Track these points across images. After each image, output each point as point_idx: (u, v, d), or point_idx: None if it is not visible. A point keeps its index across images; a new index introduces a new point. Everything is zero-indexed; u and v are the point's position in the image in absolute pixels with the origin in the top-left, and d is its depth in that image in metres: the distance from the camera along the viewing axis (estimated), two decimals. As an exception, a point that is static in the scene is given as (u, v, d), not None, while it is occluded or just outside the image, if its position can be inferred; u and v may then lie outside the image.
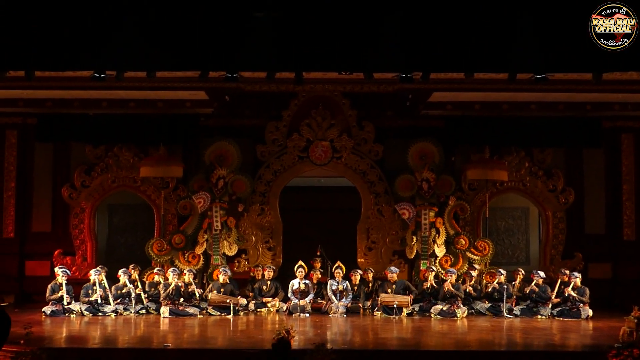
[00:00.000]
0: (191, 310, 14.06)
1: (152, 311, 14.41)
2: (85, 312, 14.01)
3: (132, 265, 14.97)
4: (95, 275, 14.36)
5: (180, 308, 14.04)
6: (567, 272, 14.56)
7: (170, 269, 14.62)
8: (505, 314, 14.05)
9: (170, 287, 14.16)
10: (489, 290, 14.65)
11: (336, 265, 14.78)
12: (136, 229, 17.52)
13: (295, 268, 14.87)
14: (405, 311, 14.17)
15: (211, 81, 13.92)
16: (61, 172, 16.58)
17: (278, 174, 16.25)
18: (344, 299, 14.37)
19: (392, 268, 14.87)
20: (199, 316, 13.98)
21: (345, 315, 14.13)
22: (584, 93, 14.69)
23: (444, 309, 14.09)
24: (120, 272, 14.59)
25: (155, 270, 15.04)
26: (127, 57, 11.73)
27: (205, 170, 15.82)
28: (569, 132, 15.87)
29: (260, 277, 15.21)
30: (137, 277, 14.83)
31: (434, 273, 14.88)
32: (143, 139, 16.04)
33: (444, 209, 15.80)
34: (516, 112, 15.70)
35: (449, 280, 14.32)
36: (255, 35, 11.46)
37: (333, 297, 14.40)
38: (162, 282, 14.56)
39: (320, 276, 15.22)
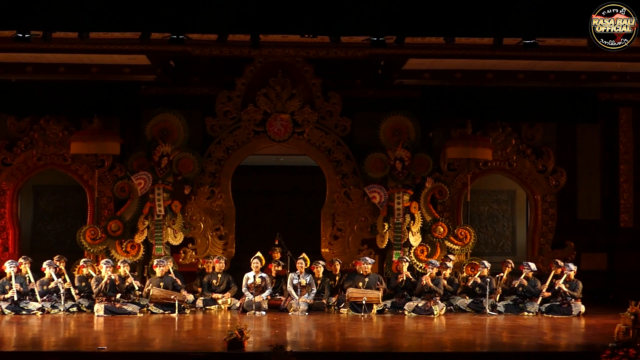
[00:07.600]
0: (130, 307, 13.97)
1: (84, 309, 14.30)
2: (6, 311, 13.82)
3: (57, 256, 14.75)
4: (10, 267, 14.14)
5: (117, 305, 13.94)
6: (562, 263, 14.69)
7: (104, 261, 14.47)
8: (488, 311, 14.17)
9: (103, 282, 14.03)
10: (470, 284, 14.78)
11: (300, 256, 14.74)
12: (66, 214, 17.40)
13: (252, 259, 14.79)
14: (375, 308, 14.24)
15: (154, 44, 13.86)
16: (-22, 147, 16.37)
17: (231, 152, 16.17)
18: (306, 295, 14.39)
19: (366, 258, 14.89)
20: (138, 315, 13.89)
21: (307, 313, 14.15)
22: (579, 61, 14.80)
23: (419, 305, 14.17)
24: (44, 264, 14.39)
25: (81, 263, 14.87)
26: (55, 14, 11.56)
27: (146, 147, 15.67)
28: (561, 105, 16.01)
29: (211, 269, 15.17)
30: (63, 269, 14.67)
31: (407, 264, 14.92)
32: (74, 110, 15.85)
33: (419, 192, 15.84)
34: (502, 82, 15.82)
35: (428, 274, 14.40)
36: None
37: (293, 292, 14.39)
38: (94, 275, 14.44)
39: (280, 269, 15.18)
